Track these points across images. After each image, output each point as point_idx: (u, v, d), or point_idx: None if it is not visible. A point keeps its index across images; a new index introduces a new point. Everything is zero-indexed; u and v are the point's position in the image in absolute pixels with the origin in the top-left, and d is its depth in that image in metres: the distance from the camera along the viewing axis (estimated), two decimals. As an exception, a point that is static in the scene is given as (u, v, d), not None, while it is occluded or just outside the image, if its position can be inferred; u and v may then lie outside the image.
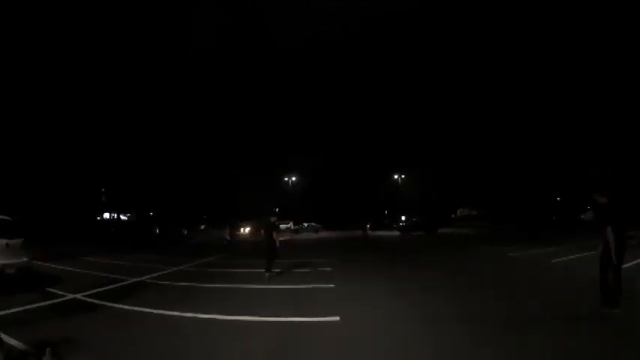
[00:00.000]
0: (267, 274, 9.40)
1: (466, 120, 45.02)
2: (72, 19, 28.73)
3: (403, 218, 43.90)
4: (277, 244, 10.00)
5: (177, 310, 6.23)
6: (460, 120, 45.64)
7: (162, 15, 33.19)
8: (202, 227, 27.55)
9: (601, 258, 5.53)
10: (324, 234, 38.11)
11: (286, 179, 49.95)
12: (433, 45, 45.93)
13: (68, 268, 11.63)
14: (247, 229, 38.66)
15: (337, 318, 5.65)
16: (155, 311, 6.30)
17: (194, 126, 43.09)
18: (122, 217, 43.78)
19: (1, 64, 24.45)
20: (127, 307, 6.70)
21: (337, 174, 54.53)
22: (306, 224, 45.58)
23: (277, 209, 54.41)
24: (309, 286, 8.50)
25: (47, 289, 8.19)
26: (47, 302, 7.07)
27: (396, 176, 50.31)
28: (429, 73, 48.50)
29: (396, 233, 34.97)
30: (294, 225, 44.75)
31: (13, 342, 4.49)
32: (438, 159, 48.21)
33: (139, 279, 9.78)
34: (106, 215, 42.07)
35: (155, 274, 10.63)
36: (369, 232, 38.46)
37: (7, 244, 7.89)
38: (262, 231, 14.95)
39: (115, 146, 33.30)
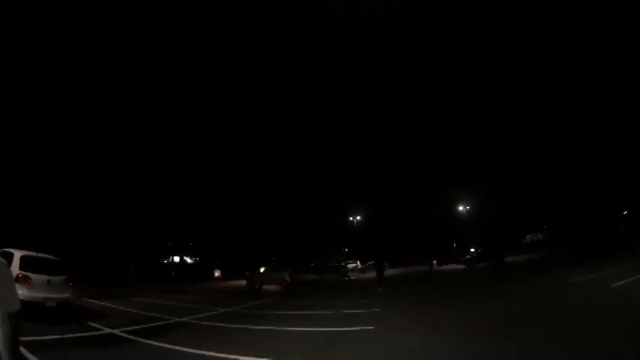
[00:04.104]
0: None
1: (527, 143, 41.69)
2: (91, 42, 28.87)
3: (472, 250, 41.25)
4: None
5: (202, 349, 6.27)
6: (521, 143, 42.39)
7: (164, 20, 34.05)
8: (262, 270, 27.80)
9: None
10: (390, 271, 37.02)
11: (351, 218, 49.76)
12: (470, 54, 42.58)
13: (115, 306, 12.08)
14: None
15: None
16: (179, 348, 6.44)
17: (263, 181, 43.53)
18: (188, 259, 46.21)
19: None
20: (156, 343, 6.90)
21: (402, 210, 52.99)
22: (373, 262, 44.72)
23: (346, 249, 54.14)
24: (346, 328, 7.98)
25: (88, 323, 8.76)
26: (82, 334, 7.52)
27: (461, 207, 48.17)
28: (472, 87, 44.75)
29: (463, 266, 33.82)
30: (362, 264, 44.32)
31: (30, 357, 5.31)
32: (503, 185, 44.97)
33: (180, 319, 9.95)
34: (177, 259, 44.73)
35: (199, 315, 10.74)
36: (436, 266, 37.04)
37: (48, 280, 8.82)
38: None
39: (178, 194, 34.95)
